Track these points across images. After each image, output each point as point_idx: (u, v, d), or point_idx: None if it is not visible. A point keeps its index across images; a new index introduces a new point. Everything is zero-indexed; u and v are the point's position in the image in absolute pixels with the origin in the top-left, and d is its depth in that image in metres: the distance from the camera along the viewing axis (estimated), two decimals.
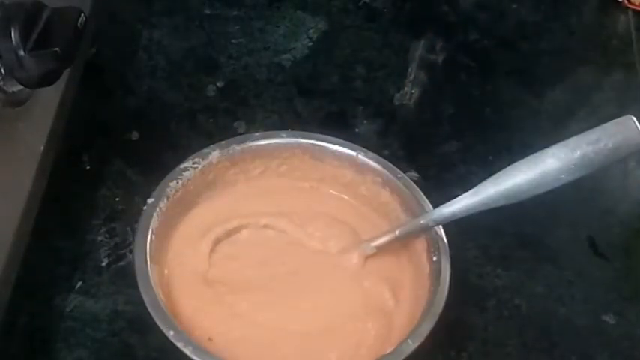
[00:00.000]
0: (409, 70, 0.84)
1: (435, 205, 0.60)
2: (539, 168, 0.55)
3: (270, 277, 0.59)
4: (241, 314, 0.57)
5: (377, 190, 0.63)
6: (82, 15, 0.53)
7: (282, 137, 0.64)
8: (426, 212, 0.60)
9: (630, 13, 0.92)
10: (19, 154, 0.57)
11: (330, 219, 0.63)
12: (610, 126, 0.55)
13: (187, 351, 0.51)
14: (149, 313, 0.53)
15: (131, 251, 0.63)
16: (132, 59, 0.81)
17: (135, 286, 0.54)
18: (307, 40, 0.85)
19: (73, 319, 0.62)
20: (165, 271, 0.58)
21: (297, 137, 0.64)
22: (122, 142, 0.73)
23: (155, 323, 0.53)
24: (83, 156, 0.71)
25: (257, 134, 0.65)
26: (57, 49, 0.50)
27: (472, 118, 0.81)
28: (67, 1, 0.54)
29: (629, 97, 0.85)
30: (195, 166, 0.61)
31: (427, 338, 0.54)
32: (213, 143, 0.63)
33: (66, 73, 0.57)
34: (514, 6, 0.92)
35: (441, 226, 0.59)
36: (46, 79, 0.52)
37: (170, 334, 0.52)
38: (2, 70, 0.50)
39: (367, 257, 0.60)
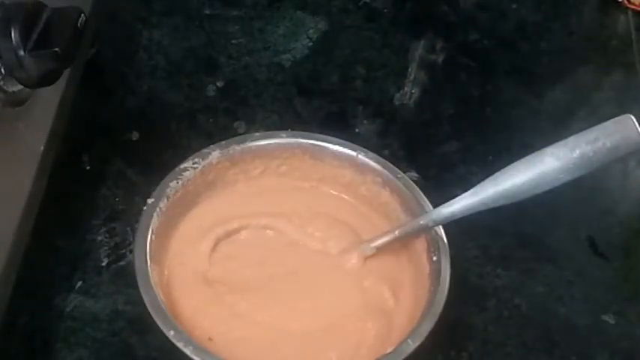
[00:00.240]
0: (409, 70, 0.84)
1: (435, 205, 0.60)
2: (538, 167, 0.55)
3: (270, 277, 0.59)
4: (241, 314, 0.57)
5: (377, 190, 0.63)
6: (82, 15, 0.53)
7: (282, 137, 0.64)
8: (426, 212, 0.60)
9: (630, 13, 0.92)
10: (19, 154, 0.57)
11: (330, 219, 0.63)
12: (609, 125, 0.55)
13: (187, 351, 0.51)
14: (149, 313, 0.53)
15: (131, 251, 0.64)
16: (132, 59, 0.81)
17: (135, 286, 0.54)
18: (307, 40, 0.85)
19: (73, 319, 0.62)
20: (165, 271, 0.58)
21: (297, 137, 0.64)
22: (122, 142, 0.73)
23: (155, 323, 0.53)
24: (83, 156, 0.71)
25: (257, 134, 0.65)
26: (57, 49, 0.50)
27: (472, 118, 0.81)
28: (67, 1, 0.54)
29: (629, 97, 0.85)
30: (195, 166, 0.61)
31: (427, 338, 0.54)
32: (213, 143, 0.63)
33: (66, 73, 0.57)
34: (514, 6, 0.93)
35: (441, 226, 0.59)
36: (46, 79, 0.52)
37: (170, 334, 0.52)
38: (2, 70, 0.50)
39: (367, 257, 0.60)
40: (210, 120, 0.77)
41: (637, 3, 0.92)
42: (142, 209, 0.58)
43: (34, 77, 0.51)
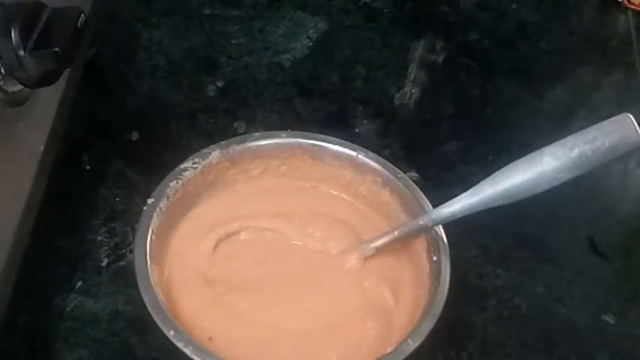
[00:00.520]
0: (409, 70, 0.84)
1: (435, 205, 0.60)
2: (537, 167, 0.55)
3: (270, 277, 0.59)
4: (241, 314, 0.57)
5: (377, 190, 0.63)
6: (82, 15, 0.53)
7: (282, 137, 0.64)
8: (426, 212, 0.60)
9: (630, 13, 0.92)
10: (19, 154, 0.57)
11: (330, 219, 0.63)
12: (607, 124, 0.55)
13: (187, 351, 0.51)
14: (149, 313, 0.53)
15: (131, 251, 0.64)
16: (132, 59, 0.81)
17: (135, 286, 0.54)
18: (307, 40, 0.85)
19: (73, 319, 0.62)
20: (165, 271, 0.58)
21: (297, 137, 0.64)
22: (122, 142, 0.73)
23: (155, 323, 0.53)
24: (83, 156, 0.71)
25: (257, 134, 0.65)
26: (57, 49, 0.50)
27: (472, 118, 0.81)
28: (67, 1, 0.54)
29: (629, 97, 0.85)
30: (195, 166, 0.61)
31: (427, 338, 0.54)
32: (213, 143, 0.63)
33: (66, 73, 0.57)
34: (514, 6, 0.93)
35: (440, 226, 0.59)
36: (46, 79, 0.52)
37: (170, 334, 0.52)
38: (2, 70, 0.50)
39: (367, 258, 0.60)
40: (210, 120, 0.77)
41: (637, 3, 0.92)
42: (141, 209, 0.58)
43: (34, 77, 0.51)
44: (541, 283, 0.68)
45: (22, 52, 0.50)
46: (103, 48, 0.78)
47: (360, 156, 0.64)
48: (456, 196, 0.58)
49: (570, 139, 0.55)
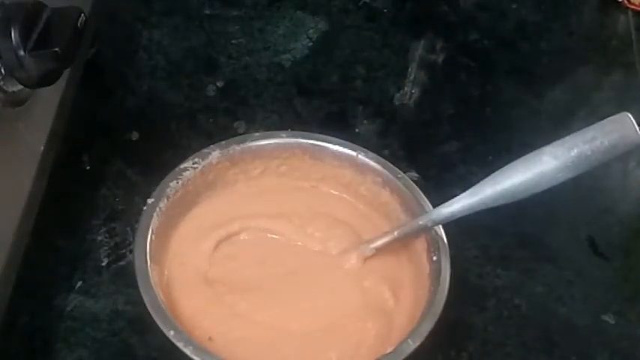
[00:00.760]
0: (409, 70, 0.84)
1: (435, 205, 0.60)
2: (536, 167, 0.55)
3: (269, 277, 0.59)
4: (241, 314, 0.57)
5: (377, 190, 0.63)
6: (82, 15, 0.53)
7: (282, 137, 0.64)
8: (426, 212, 0.60)
9: (630, 13, 0.92)
10: (19, 154, 0.57)
11: (331, 219, 0.63)
12: (606, 123, 0.55)
13: (187, 351, 0.51)
14: (149, 313, 0.53)
15: (131, 251, 0.64)
16: (132, 59, 0.81)
17: (135, 286, 0.54)
18: (307, 40, 0.85)
19: (73, 319, 0.62)
20: (165, 271, 0.58)
21: (297, 137, 0.64)
22: (122, 142, 0.73)
23: (155, 323, 0.53)
24: (83, 156, 0.71)
25: (257, 134, 0.65)
26: (57, 49, 0.50)
27: (472, 118, 0.81)
28: (67, 1, 0.54)
29: (629, 97, 0.85)
30: (195, 166, 0.61)
31: (427, 338, 0.54)
32: (213, 143, 0.63)
33: (66, 73, 0.57)
34: (514, 6, 0.93)
35: (440, 226, 0.59)
36: (46, 79, 0.52)
37: (170, 334, 0.52)
38: (2, 70, 0.50)
39: (367, 258, 0.60)
40: (210, 120, 0.77)
41: (637, 3, 0.92)
42: (141, 209, 0.58)
43: (34, 77, 0.51)
44: (541, 283, 0.68)
45: (22, 52, 0.50)
46: (103, 48, 0.78)
47: (360, 156, 0.64)
48: (455, 196, 0.58)
49: (569, 139, 0.55)
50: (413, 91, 0.82)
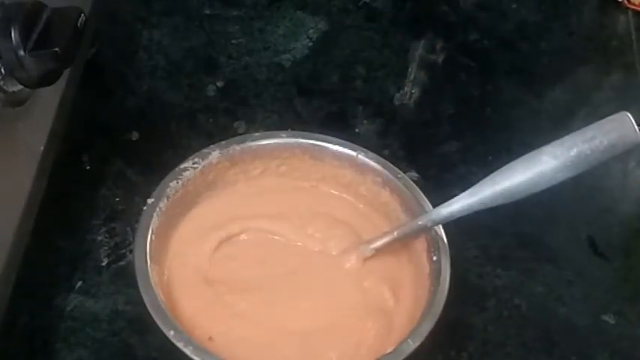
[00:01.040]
0: (409, 70, 0.84)
1: (435, 205, 0.60)
2: (535, 166, 0.55)
3: (269, 277, 0.59)
4: (241, 314, 0.57)
5: (377, 190, 0.63)
6: (82, 15, 0.53)
7: (282, 137, 0.64)
8: (425, 212, 0.60)
9: (630, 13, 0.92)
10: (19, 154, 0.57)
11: (331, 219, 0.63)
12: (605, 123, 0.55)
13: (188, 351, 0.51)
14: (149, 313, 0.53)
15: (131, 251, 0.64)
16: (132, 59, 0.81)
17: (135, 286, 0.54)
18: (307, 40, 0.85)
19: (73, 319, 0.62)
20: (166, 271, 0.58)
21: (297, 137, 0.64)
22: (122, 142, 0.73)
23: (155, 323, 0.53)
24: (83, 156, 0.71)
25: (257, 134, 0.65)
26: (57, 49, 0.50)
27: (472, 118, 0.81)
28: (67, 1, 0.54)
29: (629, 97, 0.85)
30: (195, 166, 0.61)
31: (427, 338, 0.54)
32: (213, 143, 0.63)
33: (66, 73, 0.57)
34: (514, 6, 0.93)
35: (440, 226, 0.59)
36: (46, 79, 0.52)
37: (170, 334, 0.52)
38: (2, 70, 0.50)
39: (367, 258, 0.60)
40: (210, 120, 0.77)
41: (637, 3, 0.92)
42: (141, 209, 0.58)
43: (34, 77, 0.51)
44: (541, 283, 0.68)
45: (22, 52, 0.50)
46: (103, 48, 0.78)
47: (360, 156, 0.64)
48: (455, 196, 0.58)
49: (569, 139, 0.55)
50: (413, 91, 0.82)
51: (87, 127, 0.72)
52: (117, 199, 0.69)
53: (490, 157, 0.75)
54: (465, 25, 0.90)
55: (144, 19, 0.85)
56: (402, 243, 0.61)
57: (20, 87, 0.52)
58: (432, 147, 0.78)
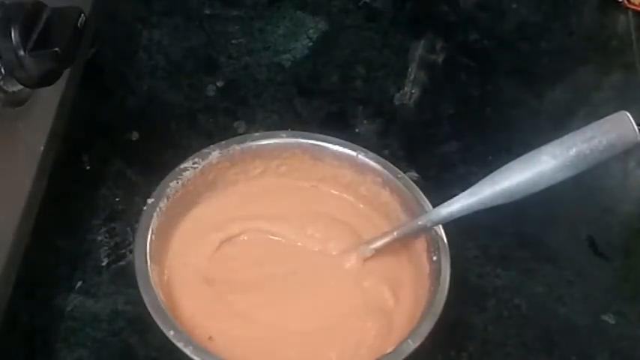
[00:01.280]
0: (409, 70, 0.84)
1: (435, 205, 0.60)
2: (534, 166, 0.55)
3: (270, 277, 0.59)
4: (241, 314, 0.57)
5: (377, 190, 0.63)
6: (82, 15, 0.53)
7: (282, 137, 0.64)
8: (425, 213, 0.60)
9: (630, 13, 0.92)
10: (19, 154, 0.57)
11: (330, 220, 0.63)
12: (604, 122, 0.55)
13: (187, 351, 0.52)
14: (149, 313, 0.53)
15: (131, 251, 0.64)
16: (132, 59, 0.81)
17: (135, 286, 0.54)
18: (307, 40, 0.85)
19: (73, 319, 0.62)
20: (166, 271, 0.58)
21: (297, 137, 0.64)
22: (122, 142, 0.73)
23: (155, 323, 0.53)
24: (83, 156, 0.71)
25: (257, 134, 0.65)
26: (57, 49, 0.50)
27: (472, 118, 0.81)
28: (67, 1, 0.54)
29: (629, 97, 0.85)
30: (195, 166, 0.61)
31: (427, 338, 0.54)
32: (213, 143, 0.63)
33: (66, 73, 0.57)
34: (514, 6, 0.93)
35: (440, 226, 0.59)
36: (46, 79, 0.52)
37: (170, 334, 0.52)
38: (2, 70, 0.50)
39: (366, 258, 0.60)
40: (210, 120, 0.77)
41: (637, 3, 0.92)
42: (141, 209, 0.58)
43: (34, 77, 0.51)
44: (541, 283, 0.68)
45: (22, 52, 0.50)
46: (103, 48, 0.78)
47: (360, 156, 0.64)
48: (455, 196, 0.58)
49: (568, 138, 0.55)
50: (413, 91, 0.82)
51: (87, 127, 0.72)
52: (117, 199, 0.69)
53: (490, 157, 0.75)
54: (465, 25, 0.90)
55: (144, 19, 0.85)
56: (402, 243, 0.61)
57: (20, 87, 0.52)
58: (432, 147, 0.78)
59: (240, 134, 0.70)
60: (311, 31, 0.86)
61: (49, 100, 0.60)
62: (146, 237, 0.57)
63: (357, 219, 0.63)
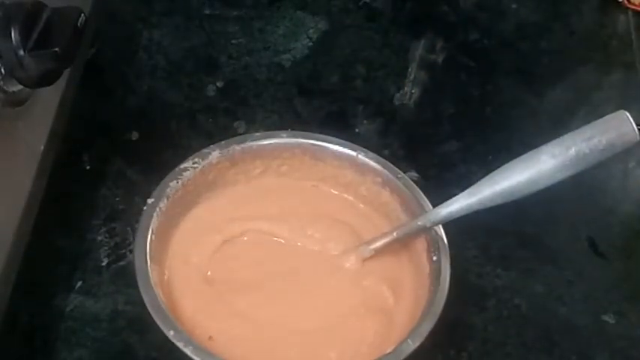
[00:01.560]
0: (409, 69, 0.84)
1: (435, 205, 0.60)
2: (534, 166, 0.55)
3: (270, 277, 0.59)
4: (242, 313, 0.57)
5: (377, 190, 0.63)
6: (82, 15, 0.53)
7: (282, 137, 0.64)
8: (425, 212, 0.60)
9: (630, 13, 0.92)
10: (19, 153, 0.57)
11: (330, 220, 0.63)
12: (604, 122, 0.55)
13: (188, 351, 0.52)
14: (149, 313, 0.53)
15: (131, 251, 0.64)
16: (132, 59, 0.81)
17: (135, 286, 0.54)
18: (307, 39, 0.85)
19: (73, 318, 0.62)
20: (166, 271, 0.58)
21: (297, 137, 0.64)
22: (122, 142, 0.74)
23: (155, 323, 0.53)
24: (83, 156, 0.71)
25: (257, 134, 0.65)
26: (57, 49, 0.50)
27: (472, 117, 0.81)
28: (67, 0, 0.54)
29: (629, 97, 0.85)
30: (195, 165, 0.61)
31: (427, 338, 0.54)
32: (213, 143, 0.63)
33: (66, 73, 0.57)
34: (514, 6, 0.93)
35: (440, 226, 0.59)
36: (46, 79, 0.52)
37: (170, 334, 0.52)
38: (2, 70, 0.50)
39: (366, 259, 0.60)
40: (210, 120, 0.77)
41: (637, 3, 0.92)
42: (142, 209, 0.58)
43: (34, 77, 0.51)
44: (541, 283, 0.68)
45: (22, 52, 0.50)
46: (103, 48, 0.78)
47: (360, 156, 0.64)
48: (455, 195, 0.58)
49: (567, 138, 0.55)
50: (413, 90, 0.82)
51: (87, 126, 0.72)
52: (117, 199, 0.69)
53: (490, 157, 0.75)
54: (465, 25, 0.90)
55: (144, 18, 0.85)
56: (402, 243, 0.61)
57: (20, 87, 0.52)
58: (432, 147, 0.78)
59: (241, 134, 0.70)
60: (311, 31, 0.86)
61: (49, 100, 0.60)
62: (146, 237, 0.57)
63: (357, 219, 0.63)
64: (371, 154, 0.64)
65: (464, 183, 0.59)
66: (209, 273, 0.59)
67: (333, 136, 0.65)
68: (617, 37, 0.91)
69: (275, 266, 0.60)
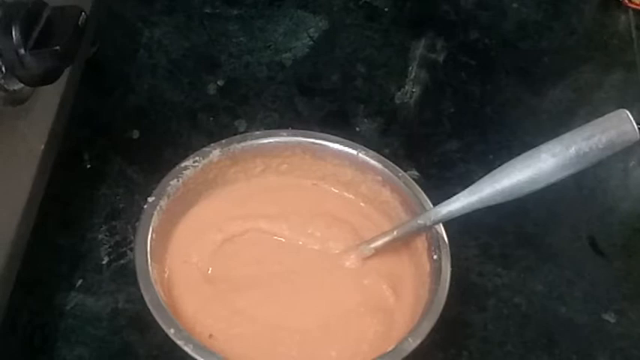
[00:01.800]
0: (410, 68, 0.84)
1: (436, 204, 0.60)
2: (534, 165, 0.55)
3: (270, 275, 0.59)
4: (242, 312, 0.57)
5: (377, 188, 0.63)
6: (83, 13, 0.53)
7: (282, 136, 0.64)
8: (426, 211, 0.60)
9: (631, 12, 0.92)
10: (20, 152, 0.57)
11: (331, 218, 0.63)
12: (604, 120, 0.55)
13: (188, 349, 0.52)
14: (149, 312, 0.53)
15: (132, 249, 0.64)
16: (133, 58, 0.81)
17: (135, 285, 0.55)
18: (308, 38, 0.85)
19: (74, 317, 0.62)
20: (166, 270, 0.58)
21: (297, 136, 0.64)
22: (123, 141, 0.74)
23: (155, 321, 0.53)
24: (84, 154, 0.71)
25: (258, 133, 0.65)
26: (58, 47, 0.50)
27: (472, 116, 0.81)
28: None
29: (630, 96, 0.85)
30: (195, 164, 0.61)
31: (427, 336, 0.54)
32: (213, 142, 0.63)
33: (66, 72, 0.57)
34: (515, 5, 0.93)
35: (441, 225, 0.59)
36: (47, 78, 0.52)
37: (170, 332, 0.52)
38: (3, 69, 0.50)
39: (367, 257, 0.60)
40: (211, 118, 0.77)
41: (637, 2, 0.92)
42: (142, 208, 0.59)
43: (35, 76, 0.51)
44: (541, 282, 0.68)
45: (22, 51, 0.50)
46: (103, 46, 0.78)
47: (360, 155, 0.64)
48: (456, 194, 0.58)
49: (567, 137, 0.55)
50: (413, 89, 0.82)
51: (87, 125, 0.72)
52: (117, 198, 0.69)
53: (490, 156, 0.75)
54: (465, 24, 0.90)
55: (145, 17, 0.85)
56: (402, 242, 0.61)
57: (21, 85, 0.52)
58: (432, 146, 0.78)
59: (241, 133, 0.70)
60: (312, 29, 0.86)
61: (49, 98, 0.60)
62: (147, 235, 0.57)
63: (357, 217, 0.63)
64: (371, 152, 0.64)
65: (464, 182, 0.59)
66: (209, 271, 0.59)
67: (333, 134, 0.65)
68: (617, 37, 0.91)
69: (275, 265, 0.60)
